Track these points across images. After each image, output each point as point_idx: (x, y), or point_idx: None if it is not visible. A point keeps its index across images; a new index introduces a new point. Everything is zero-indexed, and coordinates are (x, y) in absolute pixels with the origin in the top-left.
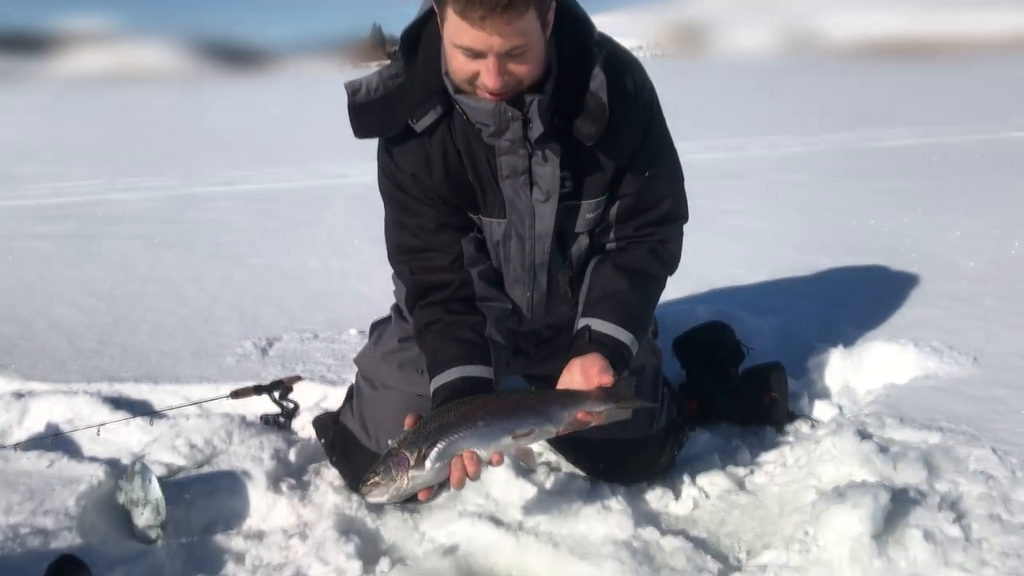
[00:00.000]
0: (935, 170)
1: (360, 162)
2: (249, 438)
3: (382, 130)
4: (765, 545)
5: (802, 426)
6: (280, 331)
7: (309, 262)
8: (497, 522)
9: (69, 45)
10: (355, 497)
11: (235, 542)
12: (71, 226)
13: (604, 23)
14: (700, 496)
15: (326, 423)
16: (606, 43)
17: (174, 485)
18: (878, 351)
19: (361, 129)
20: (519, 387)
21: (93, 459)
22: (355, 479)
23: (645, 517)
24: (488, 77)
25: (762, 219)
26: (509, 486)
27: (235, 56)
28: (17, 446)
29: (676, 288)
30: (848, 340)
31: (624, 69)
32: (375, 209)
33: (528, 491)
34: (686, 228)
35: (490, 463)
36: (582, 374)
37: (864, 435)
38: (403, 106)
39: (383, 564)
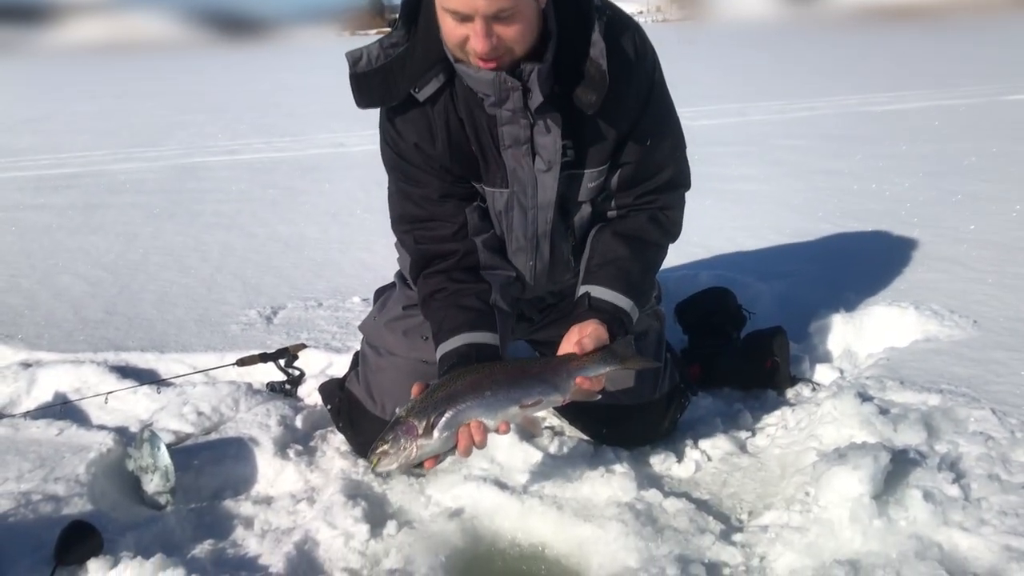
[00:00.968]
0: (937, 134)
1: (359, 130)
2: (256, 405)
3: (384, 100)
4: (766, 506)
5: (803, 389)
6: (284, 299)
7: (310, 231)
8: (502, 486)
9: (67, 15)
10: (361, 462)
11: (244, 507)
12: (72, 197)
13: None
14: (702, 459)
15: (332, 390)
16: (606, 8)
17: (182, 452)
18: (879, 315)
19: (363, 99)
20: (525, 356)
21: (102, 427)
22: (361, 445)
23: (648, 480)
24: (476, 40)
25: (764, 184)
26: (513, 450)
27: (234, 25)
28: (26, 415)
29: (678, 253)
30: (849, 304)
31: (625, 35)
32: (375, 178)
33: (533, 455)
34: (688, 194)
35: (497, 431)
36: (580, 341)
37: (865, 397)
38: (405, 75)
39: (390, 527)
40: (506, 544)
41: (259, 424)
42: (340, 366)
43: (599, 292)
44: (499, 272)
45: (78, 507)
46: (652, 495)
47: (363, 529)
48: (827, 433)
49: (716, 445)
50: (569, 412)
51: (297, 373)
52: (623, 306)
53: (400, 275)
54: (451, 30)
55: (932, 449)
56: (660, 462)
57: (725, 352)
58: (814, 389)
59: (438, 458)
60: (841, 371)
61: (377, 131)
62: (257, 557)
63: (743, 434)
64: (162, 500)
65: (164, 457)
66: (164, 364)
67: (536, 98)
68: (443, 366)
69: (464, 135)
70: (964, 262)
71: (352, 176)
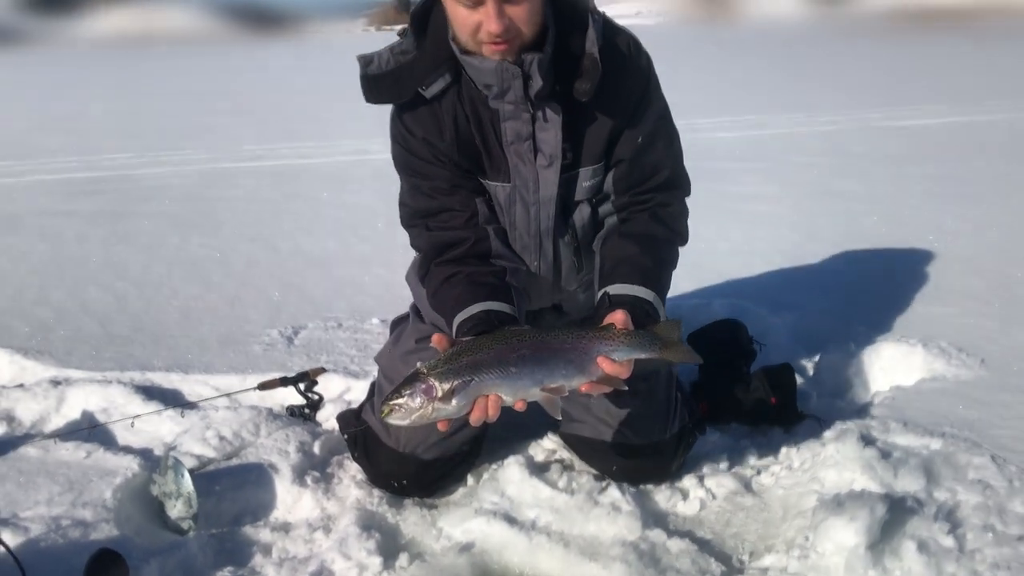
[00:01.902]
0: (958, 154)
1: (381, 137)
2: (276, 430)
3: (393, 97)
4: (767, 548)
5: (810, 427)
6: (305, 319)
7: (332, 245)
8: (511, 520)
9: (94, 6)
10: (376, 492)
11: (262, 534)
12: (101, 203)
13: None
14: (707, 497)
15: (349, 419)
16: (600, 13)
17: (205, 477)
18: (888, 352)
19: (372, 96)
20: (556, 324)
21: (128, 449)
22: (376, 475)
23: (653, 518)
24: (489, 21)
25: (780, 205)
26: (523, 485)
27: (260, 18)
28: (56, 436)
29: (692, 279)
30: (859, 339)
31: (619, 36)
32: (396, 189)
33: (542, 490)
34: (703, 211)
35: (512, 407)
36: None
37: (868, 440)
38: (413, 76)
39: (402, 559)
40: None
41: (278, 450)
42: (358, 391)
43: (617, 288)
44: (509, 264)
45: (105, 532)
46: (656, 534)
47: (376, 561)
48: (829, 476)
49: (721, 483)
50: (580, 448)
51: (316, 398)
52: (644, 296)
53: (414, 307)
54: (464, 19)
55: (931, 496)
56: (666, 499)
57: (734, 387)
58: (820, 427)
59: (450, 422)
60: (848, 408)
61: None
62: None
63: (748, 472)
64: (185, 525)
65: (187, 484)
66: (188, 385)
67: (536, 83)
68: (460, 332)
69: (469, 131)
70: (976, 295)
71: (374, 187)
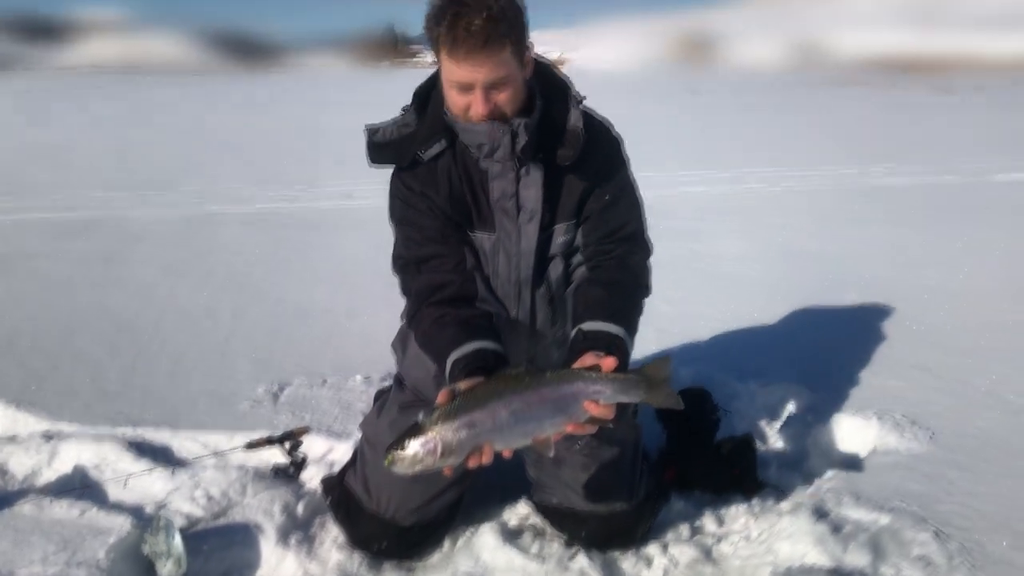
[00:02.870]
0: (926, 216)
1: (367, 182)
2: (261, 490)
3: (394, 160)
4: None
5: (769, 496)
6: (290, 374)
7: (319, 295)
8: None
9: (83, 33)
10: (356, 554)
11: None
12: (91, 245)
13: (615, 30)
14: (670, 565)
15: (332, 483)
16: (582, 99)
17: (193, 536)
18: (845, 424)
19: (376, 159)
20: (545, 370)
21: (120, 507)
22: (356, 538)
23: None
24: (477, 105)
25: (751, 266)
26: (497, 552)
27: (248, 50)
28: (50, 493)
29: (660, 344)
30: (819, 410)
31: (595, 119)
32: (382, 238)
33: (515, 558)
34: (674, 271)
35: (501, 454)
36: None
37: (821, 512)
38: (414, 144)
39: None
40: None
41: (264, 510)
42: (341, 451)
43: (589, 325)
44: (492, 308)
45: None
46: None
47: None
48: (783, 549)
49: (683, 551)
50: (553, 516)
51: (301, 457)
52: (615, 332)
53: (397, 377)
54: (456, 100)
55: (876, 572)
56: (632, 566)
57: (698, 456)
58: (779, 496)
59: (452, 468)
60: (805, 479)
61: (384, 185)
62: None
63: (709, 540)
64: None
65: (178, 544)
66: (178, 441)
67: (522, 139)
68: (455, 369)
69: (461, 188)
70: (931, 368)
71: (360, 235)
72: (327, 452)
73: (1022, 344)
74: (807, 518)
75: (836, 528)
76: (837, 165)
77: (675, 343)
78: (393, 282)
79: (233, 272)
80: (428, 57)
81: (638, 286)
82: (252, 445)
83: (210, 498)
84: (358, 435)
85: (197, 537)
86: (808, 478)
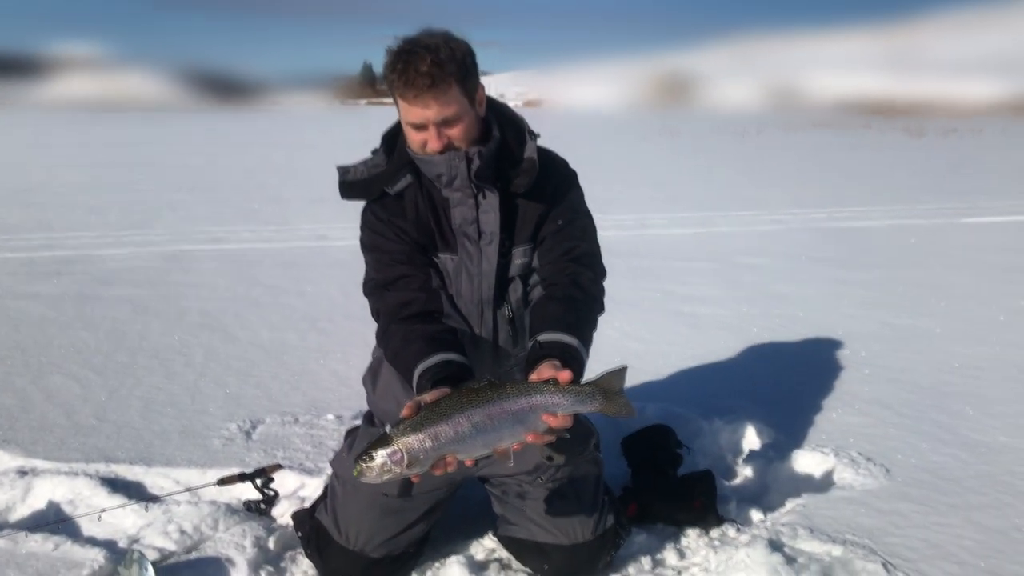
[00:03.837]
0: (893, 259)
1: (340, 224)
2: (233, 525)
3: (364, 196)
4: None
5: (729, 530)
6: (262, 413)
7: (289, 337)
8: None
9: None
10: None
11: None
12: (64, 286)
13: (593, 72)
14: None
15: (303, 518)
16: (536, 136)
17: (166, 570)
18: (804, 460)
19: (347, 196)
20: (505, 383)
21: (94, 541)
22: (327, 571)
23: None
24: (432, 141)
25: (720, 308)
26: None
27: (225, 87)
28: (25, 528)
29: (628, 380)
30: (780, 446)
31: (550, 152)
32: (355, 278)
33: None
34: (646, 312)
35: (464, 463)
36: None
37: (776, 545)
38: (381, 181)
39: None
40: None
41: (235, 544)
42: (312, 487)
43: (546, 336)
44: (457, 325)
45: None
46: None
47: None
48: None
49: None
50: (516, 548)
51: (272, 494)
52: (570, 342)
53: (367, 415)
54: (413, 137)
55: None
56: None
57: (660, 491)
58: (738, 530)
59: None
60: (763, 513)
61: (356, 226)
62: None
63: (669, 573)
64: None
65: None
66: (151, 477)
67: (476, 163)
68: (422, 380)
69: (427, 215)
70: (890, 405)
71: (333, 276)
72: (299, 488)
73: (978, 382)
74: (763, 550)
75: (790, 560)
76: (808, 207)
77: (643, 380)
78: (365, 322)
79: (205, 312)
80: None
81: (592, 301)
82: (224, 481)
83: (183, 532)
84: (329, 471)
85: (170, 571)
86: (767, 512)
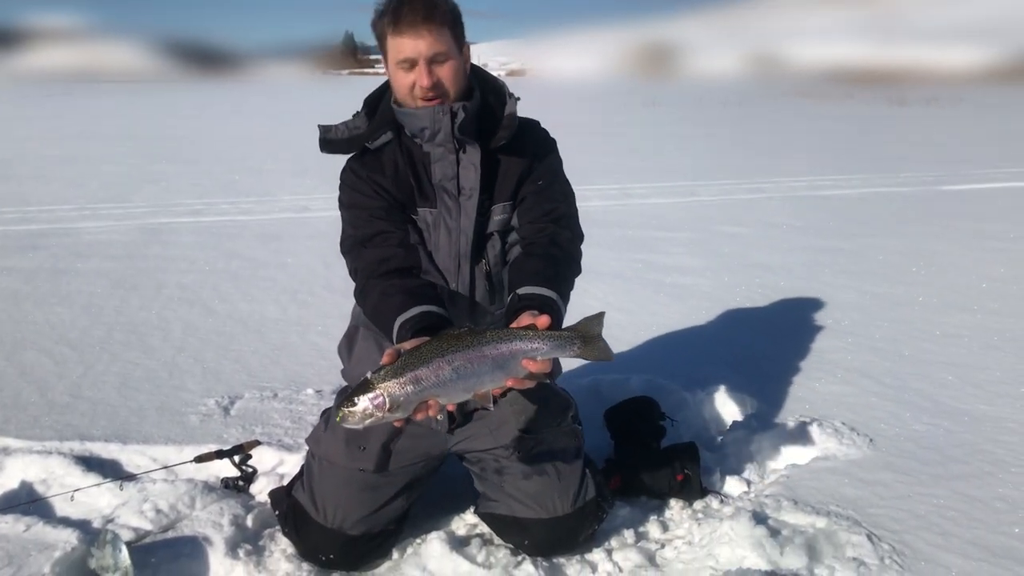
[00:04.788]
0: (872, 227)
1: (322, 194)
2: (210, 503)
3: (344, 151)
4: None
5: (712, 501)
6: (241, 388)
7: (270, 310)
8: None
9: (37, 41)
10: (305, 565)
11: None
12: (40, 260)
13: (575, 42)
14: (614, 570)
15: (280, 496)
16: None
17: (141, 549)
18: (786, 431)
19: (327, 150)
20: (486, 330)
21: (66, 522)
22: (305, 549)
23: None
24: (421, 77)
25: (703, 277)
26: (444, 560)
27: (206, 58)
28: None
29: (615, 351)
30: (762, 417)
31: (531, 119)
32: (336, 249)
33: (461, 565)
34: (629, 283)
35: (445, 408)
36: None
37: (760, 518)
38: (361, 138)
39: None
40: None
41: (212, 523)
42: (291, 464)
43: (525, 290)
44: (435, 280)
45: None
46: None
47: None
48: (723, 553)
49: (627, 557)
50: (497, 524)
51: (250, 471)
52: (548, 295)
53: (342, 393)
54: (401, 80)
55: (811, 573)
56: (576, 572)
57: (643, 463)
58: (722, 502)
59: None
60: (748, 483)
61: (337, 197)
62: None
63: (652, 546)
64: None
65: (124, 558)
66: (126, 455)
67: (460, 117)
68: (402, 331)
69: (406, 171)
70: (872, 374)
71: (314, 248)
72: (277, 464)
73: (959, 350)
74: (747, 523)
75: (774, 532)
76: (789, 176)
77: (625, 351)
78: (346, 294)
79: (183, 286)
80: None
81: (570, 260)
82: (201, 459)
83: (158, 511)
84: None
85: (145, 550)
86: (750, 483)
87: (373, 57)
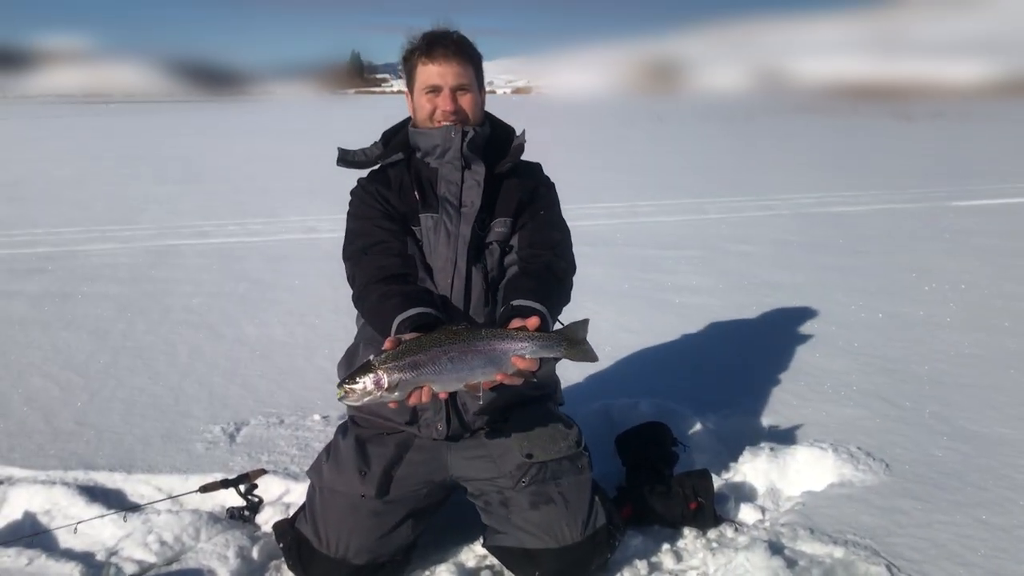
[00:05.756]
0: (882, 244)
1: (329, 215)
2: (216, 534)
3: (357, 166)
4: None
5: (727, 530)
6: (247, 414)
7: (276, 333)
8: None
9: (48, 63)
10: None
11: None
12: (46, 282)
13: (580, 58)
14: None
15: (284, 528)
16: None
17: None
18: (802, 455)
19: (341, 164)
20: (479, 327)
21: (70, 554)
22: None
23: None
24: (444, 103)
25: (712, 297)
26: None
27: (213, 78)
28: None
29: (621, 374)
30: (777, 441)
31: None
32: (343, 271)
33: None
34: (636, 302)
35: (438, 396)
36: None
37: (776, 548)
38: (376, 159)
39: None
40: None
41: (218, 555)
42: (297, 493)
43: (517, 301)
44: (431, 288)
45: None
46: None
47: None
48: None
49: None
50: (506, 555)
51: (256, 500)
52: (539, 308)
53: (342, 427)
54: (425, 105)
55: None
56: None
57: (656, 491)
58: (736, 530)
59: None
60: (763, 511)
61: (344, 217)
62: None
63: None
64: None
65: None
66: (131, 485)
67: (470, 135)
68: (402, 328)
69: (410, 183)
70: (886, 396)
71: (321, 269)
72: (284, 493)
73: (974, 371)
74: (763, 553)
75: (791, 563)
76: (798, 193)
77: (635, 374)
78: (353, 315)
79: (190, 309)
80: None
81: (561, 287)
82: (207, 488)
83: (163, 543)
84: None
85: None
86: (765, 511)
87: (379, 76)
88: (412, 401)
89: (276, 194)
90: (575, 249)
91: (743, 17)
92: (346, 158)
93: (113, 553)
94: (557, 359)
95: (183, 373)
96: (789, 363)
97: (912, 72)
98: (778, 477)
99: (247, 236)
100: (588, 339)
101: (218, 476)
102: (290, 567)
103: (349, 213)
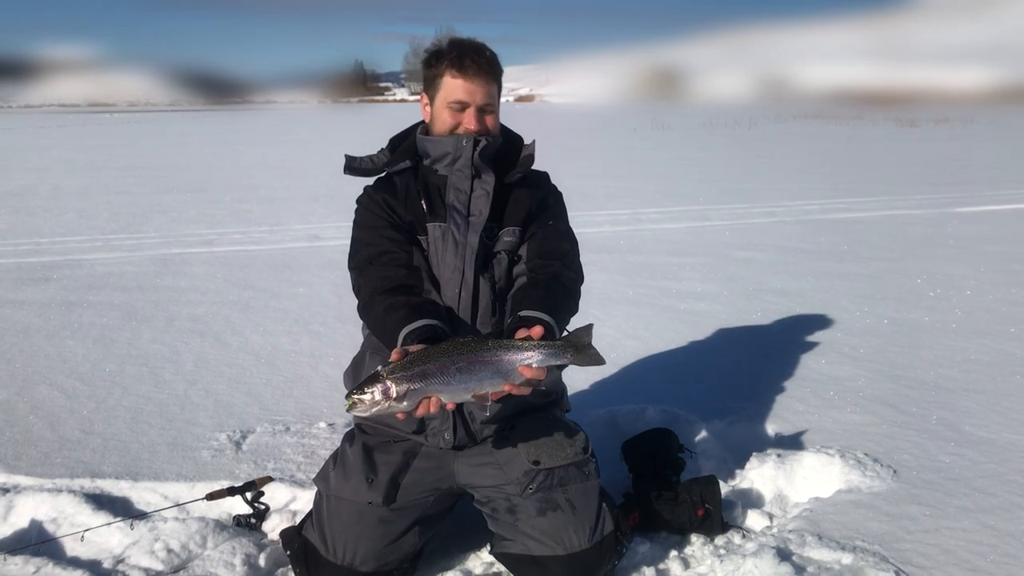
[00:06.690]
0: (887, 250)
1: (334, 223)
2: (222, 542)
3: (364, 174)
4: None
5: (734, 537)
6: (253, 421)
7: (281, 341)
8: None
9: (52, 72)
10: None
11: None
12: (52, 292)
13: (584, 66)
14: None
15: (291, 535)
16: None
17: None
18: (809, 462)
19: (349, 172)
20: (485, 338)
21: (76, 562)
22: None
23: None
24: (470, 122)
25: (717, 303)
26: None
27: (217, 87)
28: (4, 551)
29: (627, 382)
30: (784, 447)
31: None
32: (348, 279)
33: None
34: (643, 309)
35: (445, 407)
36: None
37: (785, 554)
38: (383, 167)
39: None
40: None
41: (225, 563)
42: (303, 500)
43: (524, 311)
44: (436, 299)
45: None
46: None
47: None
48: None
49: None
50: (515, 564)
51: (263, 507)
52: (546, 319)
53: (348, 435)
54: (447, 118)
55: None
56: None
57: (663, 498)
58: (744, 536)
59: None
60: (770, 517)
61: (349, 225)
62: None
63: None
64: None
65: None
66: (137, 492)
67: (482, 144)
68: (407, 340)
69: (417, 194)
70: (893, 402)
71: (326, 277)
72: (290, 501)
73: (981, 377)
74: (771, 560)
75: (799, 569)
76: (802, 199)
77: (641, 381)
78: (358, 323)
79: (195, 317)
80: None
81: (569, 296)
82: (213, 496)
83: (169, 551)
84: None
85: None
86: (773, 517)
87: (382, 84)
88: (420, 412)
89: (280, 202)
90: (580, 257)
91: (747, 23)
92: (353, 165)
93: (120, 561)
94: (564, 366)
95: (189, 381)
96: (795, 369)
97: (916, 78)
98: (785, 483)
99: (252, 244)
100: (593, 344)
101: (224, 484)
102: (297, 574)
103: (355, 222)
